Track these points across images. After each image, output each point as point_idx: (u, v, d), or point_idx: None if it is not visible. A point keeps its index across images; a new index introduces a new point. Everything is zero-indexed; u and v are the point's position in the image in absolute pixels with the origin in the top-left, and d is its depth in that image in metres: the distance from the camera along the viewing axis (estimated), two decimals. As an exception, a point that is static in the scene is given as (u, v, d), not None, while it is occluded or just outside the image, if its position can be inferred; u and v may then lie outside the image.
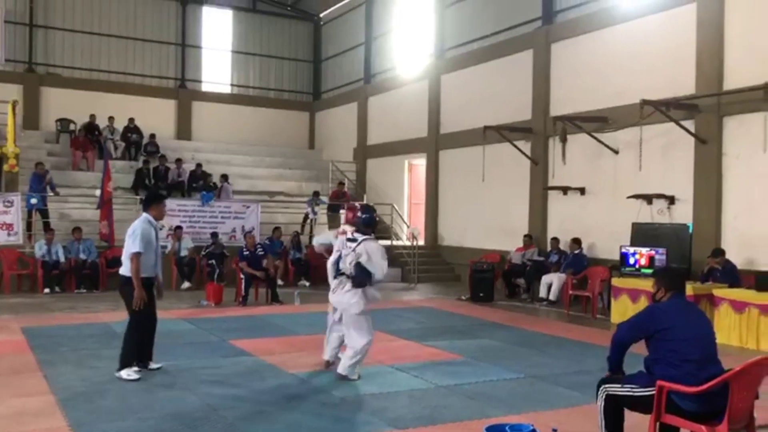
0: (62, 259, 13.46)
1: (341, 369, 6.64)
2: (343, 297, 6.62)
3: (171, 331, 9.33)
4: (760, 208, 10.68)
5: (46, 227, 14.32)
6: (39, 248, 13.42)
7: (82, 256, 13.67)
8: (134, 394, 6.06)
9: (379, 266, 6.49)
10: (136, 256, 6.53)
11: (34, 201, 14.37)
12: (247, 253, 12.60)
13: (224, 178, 18.08)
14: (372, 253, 6.48)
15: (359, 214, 6.81)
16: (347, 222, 7.05)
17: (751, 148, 10.69)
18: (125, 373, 6.55)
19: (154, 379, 6.61)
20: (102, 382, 6.43)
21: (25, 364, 7.17)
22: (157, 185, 17.63)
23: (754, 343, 8.84)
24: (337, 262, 6.80)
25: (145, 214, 6.87)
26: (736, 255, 10.43)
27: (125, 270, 6.67)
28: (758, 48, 10.69)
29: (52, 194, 15.07)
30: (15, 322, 9.51)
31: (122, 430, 5.06)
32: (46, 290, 13.11)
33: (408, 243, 17.25)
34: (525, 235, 14.38)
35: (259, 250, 12.72)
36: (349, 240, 6.68)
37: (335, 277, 6.75)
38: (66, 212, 15.96)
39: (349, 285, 6.56)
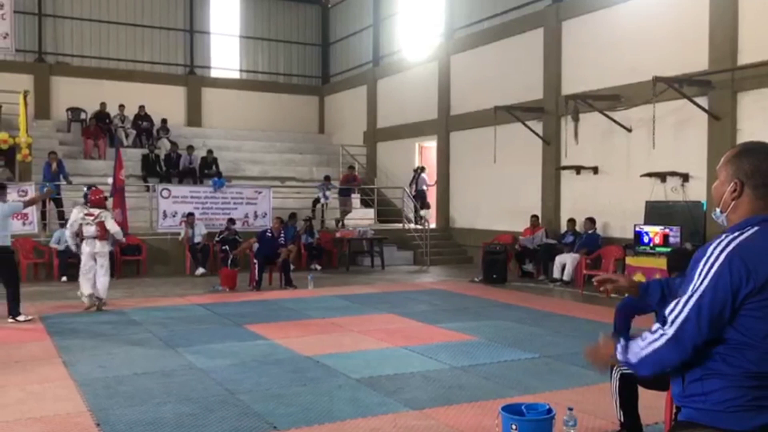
0: None
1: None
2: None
3: (187, 316, 9.44)
4: (776, 184, 10.55)
5: (61, 216, 14.41)
6: (56, 237, 13.50)
7: (98, 244, 13.71)
8: (152, 378, 6.13)
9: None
10: None
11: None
12: (269, 235, 12.61)
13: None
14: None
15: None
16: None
17: (766, 124, 10.55)
18: (23, 317, 8.80)
19: (171, 364, 6.68)
20: (119, 367, 6.51)
21: (45, 351, 7.26)
22: (168, 172, 17.72)
23: (770, 319, 8.78)
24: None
25: None
26: (751, 232, 10.32)
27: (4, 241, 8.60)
28: (773, 21, 10.53)
29: (65, 183, 15.15)
30: (33, 310, 9.61)
31: (141, 413, 5.12)
32: (63, 278, 13.21)
33: (419, 226, 17.24)
34: (532, 216, 14.28)
35: (281, 238, 12.67)
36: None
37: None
38: (79, 201, 15.97)
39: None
